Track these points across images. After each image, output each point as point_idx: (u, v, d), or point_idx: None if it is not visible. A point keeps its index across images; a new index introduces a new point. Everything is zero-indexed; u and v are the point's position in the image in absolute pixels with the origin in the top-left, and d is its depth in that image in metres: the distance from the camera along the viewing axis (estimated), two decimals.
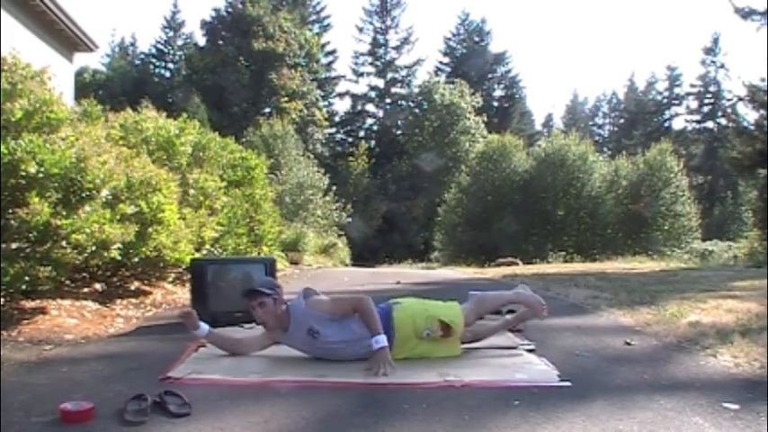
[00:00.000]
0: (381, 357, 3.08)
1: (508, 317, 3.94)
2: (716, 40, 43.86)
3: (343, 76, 45.91)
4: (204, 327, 3.40)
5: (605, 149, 46.26)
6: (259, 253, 8.95)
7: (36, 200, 3.97)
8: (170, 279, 6.67)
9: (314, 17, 44.71)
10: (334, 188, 27.44)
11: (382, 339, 3.14)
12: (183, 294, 6.19)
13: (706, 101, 44.96)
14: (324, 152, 39.18)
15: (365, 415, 2.49)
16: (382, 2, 44.87)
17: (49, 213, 4.01)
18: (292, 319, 3.32)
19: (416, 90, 42.28)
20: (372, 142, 43.89)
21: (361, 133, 45.19)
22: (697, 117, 46.02)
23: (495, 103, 46.56)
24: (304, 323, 3.29)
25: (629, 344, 3.93)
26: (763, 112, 14.17)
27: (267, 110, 37.53)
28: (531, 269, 12.49)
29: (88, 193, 4.42)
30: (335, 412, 2.56)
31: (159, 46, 43.77)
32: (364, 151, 39.91)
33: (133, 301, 5.55)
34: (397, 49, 45.03)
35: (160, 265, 5.96)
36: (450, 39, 47.65)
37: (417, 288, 7.93)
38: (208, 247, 6.88)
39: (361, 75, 45.15)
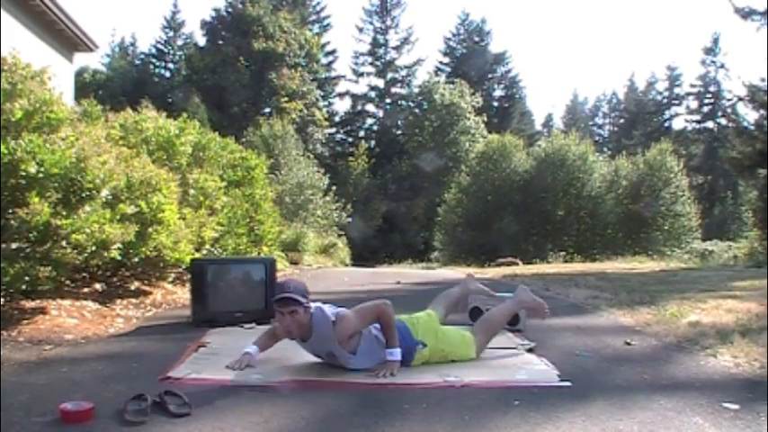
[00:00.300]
0: (391, 367, 3.06)
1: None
2: (716, 40, 43.95)
3: (343, 76, 46.00)
4: (252, 350, 3.25)
5: (605, 149, 46.24)
6: (259, 253, 8.95)
7: (36, 200, 3.97)
8: (170, 279, 6.67)
9: (314, 17, 44.70)
10: (334, 188, 27.44)
11: (397, 353, 3.11)
12: (183, 294, 6.19)
13: (706, 101, 44.96)
14: (324, 152, 39.17)
15: (365, 415, 2.49)
16: (382, 2, 44.87)
17: (49, 213, 4.01)
18: (314, 332, 3.11)
19: (416, 90, 42.28)
20: (372, 142, 43.88)
21: (361, 133, 45.18)
22: (697, 117, 46.02)
23: (495, 103, 46.54)
24: (325, 343, 3.12)
25: (629, 344, 3.93)
26: (763, 112, 14.18)
27: (267, 110, 37.52)
28: (531, 269, 12.50)
29: (88, 193, 4.42)
30: (335, 412, 2.56)
31: (159, 46, 43.78)
32: (364, 151, 39.90)
33: (133, 301, 5.55)
34: (397, 49, 45.06)
35: (160, 265, 5.96)
36: (450, 39, 47.66)
37: (417, 288, 7.92)
38: (208, 247, 6.88)
39: (361, 75, 45.20)
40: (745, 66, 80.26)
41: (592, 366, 3.39)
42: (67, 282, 5.17)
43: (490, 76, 46.96)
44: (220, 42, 39.38)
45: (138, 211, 5.05)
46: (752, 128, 14.58)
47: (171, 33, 44.00)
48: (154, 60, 44.03)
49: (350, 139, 44.25)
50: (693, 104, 46.58)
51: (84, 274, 5.59)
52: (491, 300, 4.46)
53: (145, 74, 41.87)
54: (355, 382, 2.95)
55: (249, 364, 3.15)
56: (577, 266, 13.43)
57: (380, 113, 45.29)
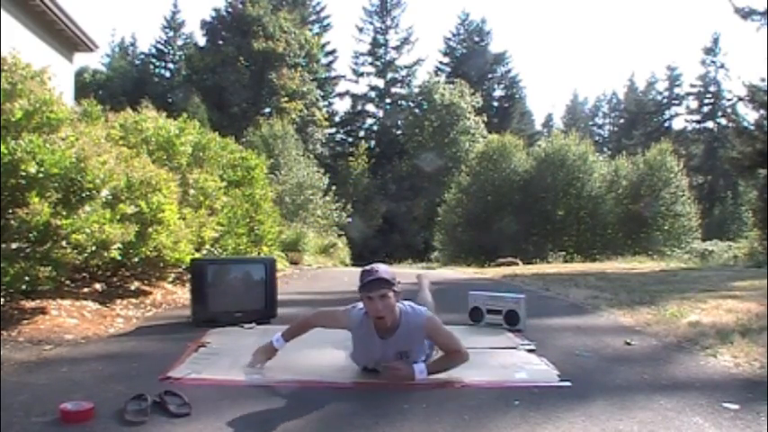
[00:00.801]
0: (405, 374, 2.94)
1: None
2: (716, 40, 43.95)
3: (343, 76, 46.04)
4: (277, 341, 3.16)
5: (605, 149, 46.27)
6: (259, 253, 8.95)
7: (36, 200, 3.97)
8: (170, 279, 6.67)
9: (314, 17, 44.72)
10: (334, 188, 27.43)
11: (423, 372, 2.95)
12: (183, 294, 6.19)
13: (706, 101, 44.97)
14: (324, 152, 39.17)
15: (365, 415, 2.49)
16: (382, 2, 44.88)
17: (49, 213, 4.01)
18: (402, 326, 2.95)
19: (416, 90, 42.29)
20: (372, 142, 43.89)
21: (361, 133, 45.19)
22: (697, 117, 46.03)
23: (495, 103, 46.56)
24: (410, 339, 2.97)
25: (629, 344, 3.93)
26: (763, 112, 14.19)
27: (267, 110, 37.52)
28: (531, 269, 12.50)
29: (88, 193, 4.42)
30: (335, 412, 2.56)
31: (159, 46, 43.80)
32: (364, 151, 39.90)
33: (133, 301, 5.54)
34: (397, 49, 45.07)
35: (160, 265, 5.96)
36: (450, 39, 47.69)
37: (417, 288, 7.91)
38: (208, 247, 6.88)
39: (361, 75, 45.24)
40: (745, 66, 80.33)
41: (592, 366, 3.39)
42: (67, 282, 5.17)
43: (490, 76, 46.97)
44: (220, 42, 39.38)
45: (138, 211, 5.05)
46: (752, 128, 14.58)
47: (171, 33, 44.01)
48: (154, 60, 44.04)
49: (350, 139, 44.25)
50: (693, 104, 46.65)
51: (84, 274, 5.59)
52: (490, 300, 4.48)
53: (145, 74, 41.89)
54: (355, 382, 2.95)
55: (268, 358, 3.13)
56: (577, 266, 13.43)
57: (380, 113, 45.32)
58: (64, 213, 4.18)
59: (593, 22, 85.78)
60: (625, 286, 7.21)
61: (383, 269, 2.96)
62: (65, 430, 2.29)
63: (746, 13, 13.86)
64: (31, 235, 4.06)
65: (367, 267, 3.03)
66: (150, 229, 5.24)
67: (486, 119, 39.14)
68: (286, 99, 37.57)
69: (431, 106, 38.56)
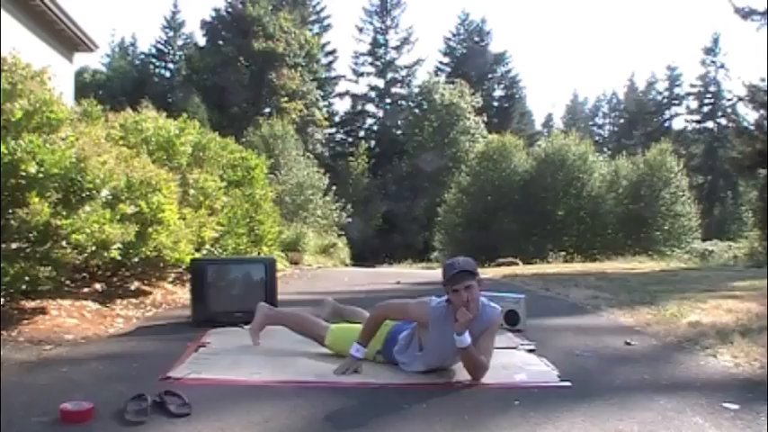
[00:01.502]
0: (464, 323, 2.87)
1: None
2: (716, 40, 43.89)
3: (343, 76, 45.99)
4: (357, 351, 3.08)
5: (605, 149, 46.20)
6: (259, 253, 8.95)
7: (36, 200, 3.97)
8: (170, 279, 6.67)
9: (314, 17, 44.66)
10: (334, 188, 27.43)
11: (465, 343, 2.88)
12: (183, 294, 6.19)
13: (706, 101, 44.97)
14: (324, 152, 39.17)
15: (365, 415, 2.49)
16: (382, 2, 44.85)
17: (49, 213, 4.00)
18: (479, 319, 2.94)
19: (416, 90, 42.26)
20: (372, 142, 43.87)
21: (361, 133, 45.17)
22: (697, 117, 46.02)
23: (495, 103, 46.50)
24: (478, 333, 2.95)
25: (629, 344, 3.93)
26: (763, 112, 14.20)
27: (267, 110, 37.48)
28: (531, 269, 12.50)
29: (88, 193, 4.41)
30: (335, 412, 2.56)
31: (159, 46, 43.74)
32: (364, 151, 39.87)
33: (133, 301, 5.54)
34: (397, 49, 45.03)
35: (160, 265, 5.96)
36: (450, 39, 47.63)
37: (417, 288, 7.93)
38: (208, 247, 6.87)
39: (361, 75, 45.19)
40: (745, 66, 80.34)
41: (592, 366, 3.39)
42: (67, 282, 5.16)
43: (490, 76, 46.91)
44: (220, 42, 39.33)
45: (138, 211, 5.04)
46: (752, 128, 14.60)
47: (171, 33, 43.95)
48: (154, 60, 43.99)
49: (350, 139, 44.24)
50: (693, 104, 46.64)
51: (84, 274, 5.58)
52: (490, 300, 4.47)
53: (145, 74, 41.84)
54: (355, 382, 2.95)
55: (356, 370, 3.05)
56: (577, 266, 13.43)
57: (380, 113, 45.30)
58: (64, 213, 4.17)
59: (593, 22, 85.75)
60: (625, 286, 7.22)
61: (465, 261, 3.02)
62: (65, 430, 2.29)
63: (746, 13, 13.87)
64: (31, 235, 4.05)
65: (449, 261, 3.07)
66: (150, 229, 5.23)
67: (486, 119, 39.11)
68: (286, 99, 37.54)
69: (431, 106, 38.54)
